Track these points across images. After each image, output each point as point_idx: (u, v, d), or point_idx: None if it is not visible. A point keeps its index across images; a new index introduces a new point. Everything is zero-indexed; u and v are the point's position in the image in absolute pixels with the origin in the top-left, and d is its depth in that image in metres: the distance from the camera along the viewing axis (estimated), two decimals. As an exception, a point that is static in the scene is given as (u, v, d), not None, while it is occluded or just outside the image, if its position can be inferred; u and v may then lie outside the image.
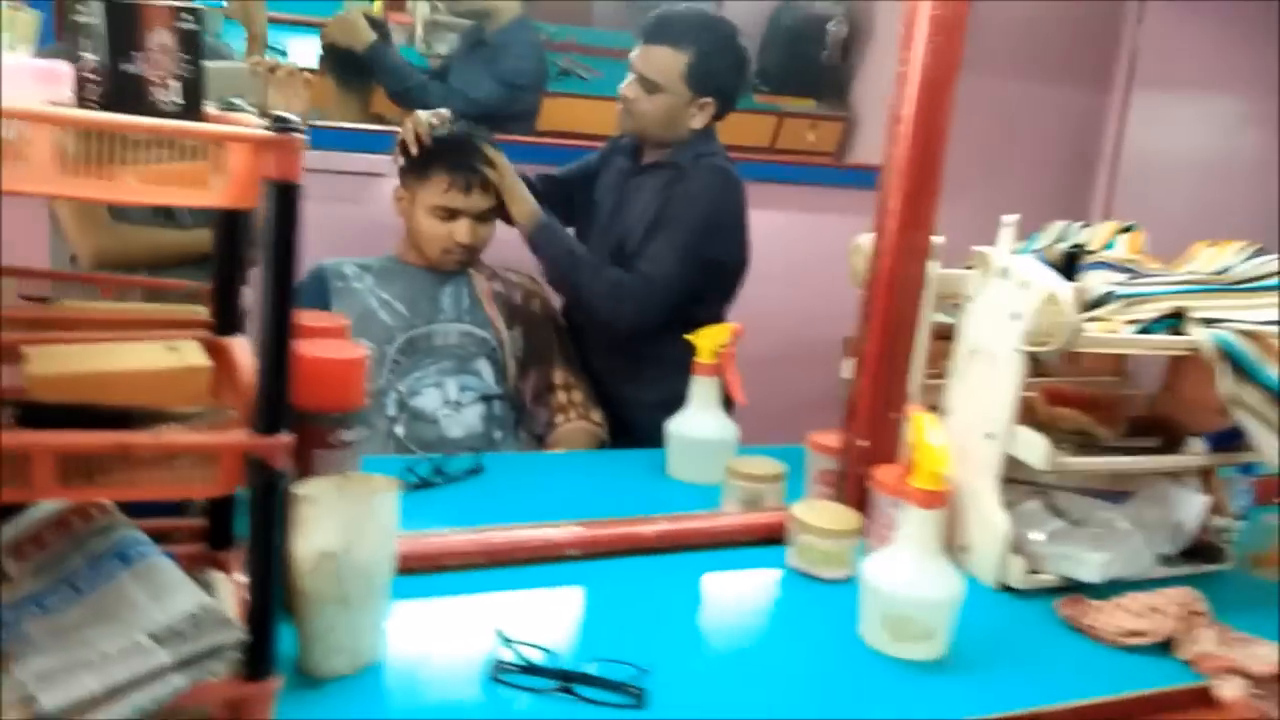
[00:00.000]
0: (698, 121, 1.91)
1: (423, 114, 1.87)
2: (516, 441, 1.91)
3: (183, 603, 0.84)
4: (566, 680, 0.98)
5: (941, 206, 1.32)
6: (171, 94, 0.80)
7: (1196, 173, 2.99)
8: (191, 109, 0.81)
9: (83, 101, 0.77)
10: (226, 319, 0.98)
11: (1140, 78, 2.93)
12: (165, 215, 1.87)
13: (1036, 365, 1.51)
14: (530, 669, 0.99)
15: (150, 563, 0.88)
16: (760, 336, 2.52)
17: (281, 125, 0.74)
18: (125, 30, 0.76)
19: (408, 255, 1.92)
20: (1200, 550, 1.35)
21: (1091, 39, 2.93)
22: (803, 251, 2.27)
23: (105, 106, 0.76)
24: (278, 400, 0.79)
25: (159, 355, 0.91)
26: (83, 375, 0.86)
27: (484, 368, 1.90)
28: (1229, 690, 1.08)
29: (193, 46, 0.80)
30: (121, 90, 0.76)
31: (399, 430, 1.81)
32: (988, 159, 2.91)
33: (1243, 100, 3.06)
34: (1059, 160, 3.01)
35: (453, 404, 1.85)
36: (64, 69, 0.77)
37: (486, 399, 1.88)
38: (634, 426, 1.95)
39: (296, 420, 1.01)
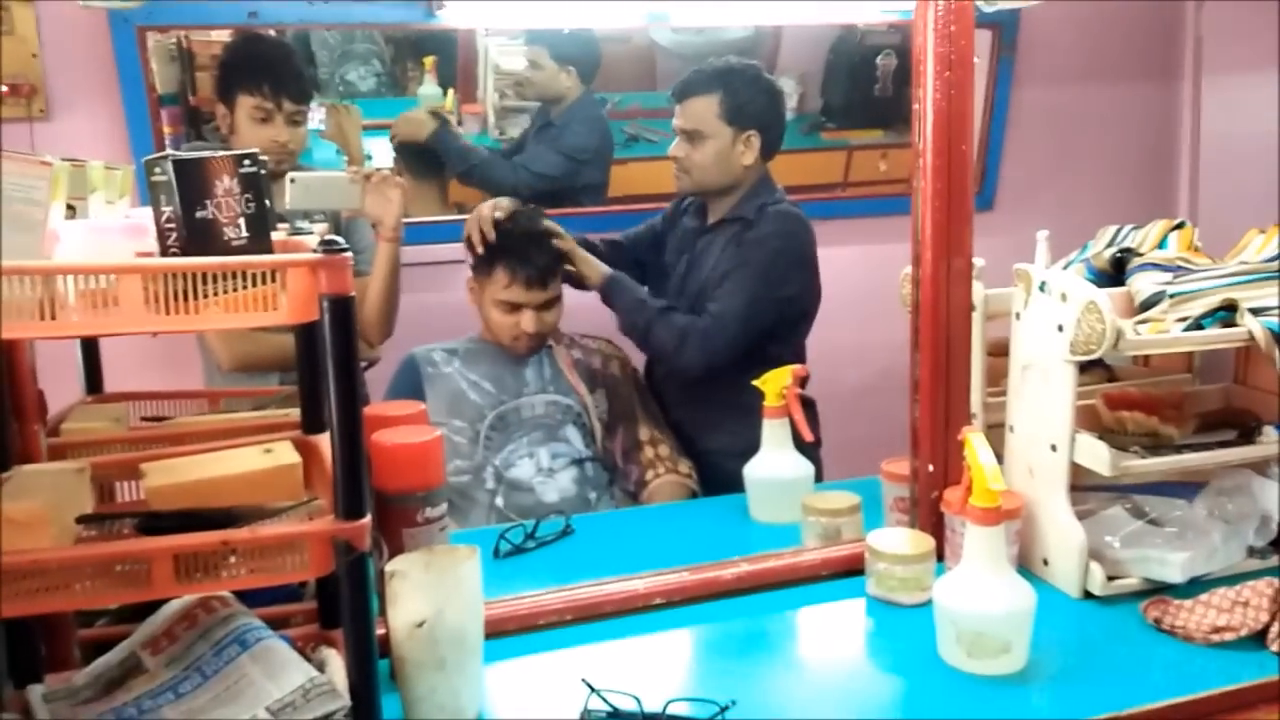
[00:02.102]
0: (748, 158, 1.98)
1: (484, 207, 1.98)
2: (611, 500, 1.99)
3: (294, 678, 0.94)
4: (652, 722, 1.04)
5: (1019, 218, 1.35)
6: (240, 230, 0.91)
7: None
8: (258, 240, 0.92)
9: (165, 249, 0.89)
10: (314, 418, 1.08)
11: (1208, 64, 2.88)
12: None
13: (1108, 371, 1.53)
14: (617, 715, 1.05)
15: (266, 645, 0.98)
16: (847, 370, 2.56)
17: (330, 248, 0.84)
18: (194, 183, 0.88)
19: (488, 335, 2.03)
20: (1291, 540, 1.33)
21: (1151, 31, 2.90)
22: (883, 282, 2.29)
23: (183, 251, 0.88)
24: (354, 488, 0.88)
25: (256, 458, 1.02)
26: (191, 484, 0.98)
27: (572, 434, 1.98)
28: (1324, 678, 1.07)
29: (254, 187, 0.92)
30: (195, 234, 0.88)
31: (499, 501, 1.91)
32: (1061, 167, 2.90)
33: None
34: (1138, 158, 2.97)
35: (546, 471, 1.93)
36: (148, 223, 0.89)
37: (578, 462, 1.96)
38: (723, 475, 2.00)
39: (383, 503, 1.12)
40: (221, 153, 0.90)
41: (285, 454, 1.03)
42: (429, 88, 2.78)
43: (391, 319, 2.10)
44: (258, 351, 1.93)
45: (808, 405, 2.03)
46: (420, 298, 2.16)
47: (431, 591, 1.01)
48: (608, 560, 1.46)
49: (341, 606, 0.91)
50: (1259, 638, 1.15)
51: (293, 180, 1.88)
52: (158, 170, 0.88)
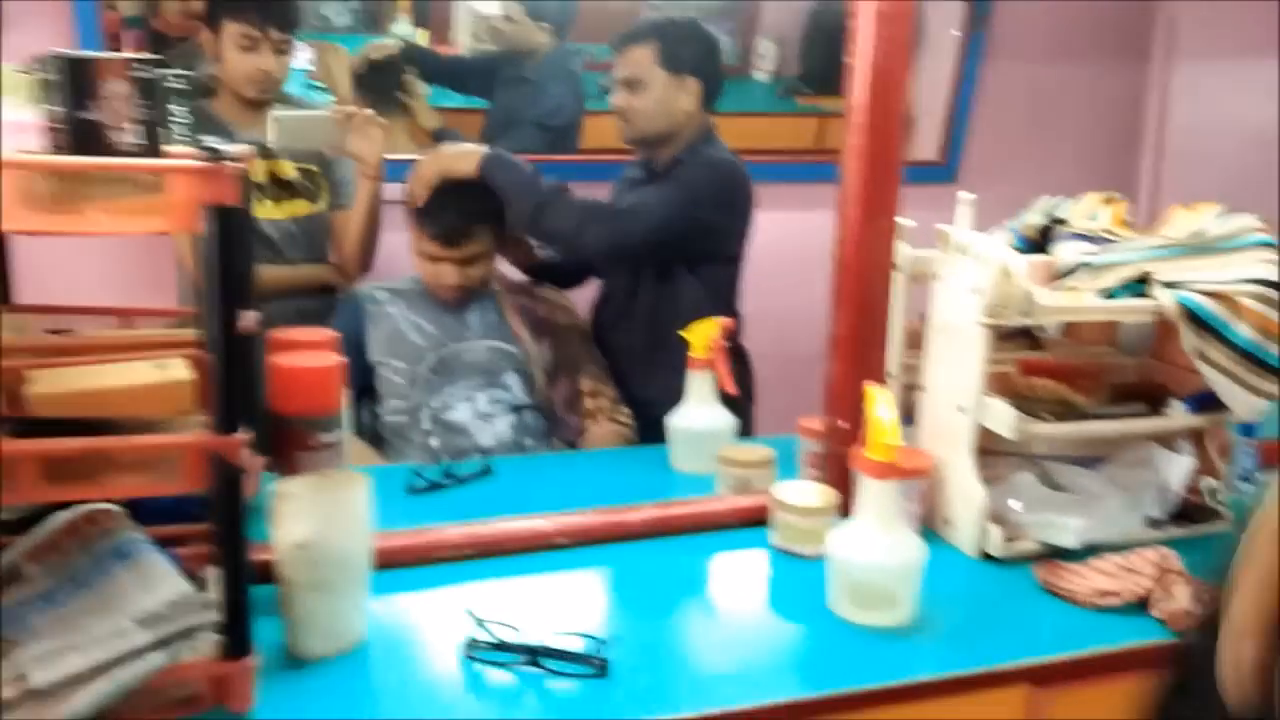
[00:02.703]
0: (687, 104, 2.00)
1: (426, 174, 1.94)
2: (549, 449, 1.99)
3: (166, 591, 0.94)
4: (533, 655, 1.04)
5: (984, 192, 1.36)
6: (130, 136, 0.90)
7: (1246, 142, 2.91)
8: (150, 148, 0.91)
9: (51, 149, 0.88)
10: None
11: (1180, 48, 2.88)
12: (273, 252, 2.07)
13: (1032, 341, 1.54)
14: (501, 646, 1.06)
15: (144, 558, 0.98)
16: (801, 330, 2.56)
17: (214, 155, 0.83)
18: (80, 83, 0.86)
19: (428, 279, 2.02)
20: (1193, 512, 1.34)
21: (1125, 13, 2.90)
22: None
23: (68, 152, 0.87)
24: (232, 402, 0.88)
25: (147, 372, 1.02)
26: (76, 393, 0.97)
27: (512, 380, 1.98)
28: (1201, 646, 1.08)
29: (150, 93, 0.90)
30: (79, 135, 0.86)
31: (434, 443, 1.91)
32: (1028, 143, 2.90)
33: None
34: (1103, 139, 2.98)
35: (483, 416, 1.94)
36: (31, 121, 0.88)
37: (516, 409, 1.96)
38: (659, 425, 2.01)
39: (280, 425, 1.11)
40: (114, 54, 0.88)
41: (177, 370, 1.03)
42: (403, 26, 2.75)
43: (370, 254, 2.13)
44: None
45: (741, 360, 2.04)
46: (389, 236, 2.16)
47: (316, 513, 1.01)
48: (523, 501, 1.46)
49: (217, 523, 0.91)
50: (1142, 604, 1.16)
51: (277, 120, 1.89)
52: (44, 68, 0.87)
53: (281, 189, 2.09)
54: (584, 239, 1.91)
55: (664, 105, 1.99)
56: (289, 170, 2.09)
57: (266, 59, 1.99)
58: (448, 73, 2.64)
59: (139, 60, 0.90)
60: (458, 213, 1.91)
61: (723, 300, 2.04)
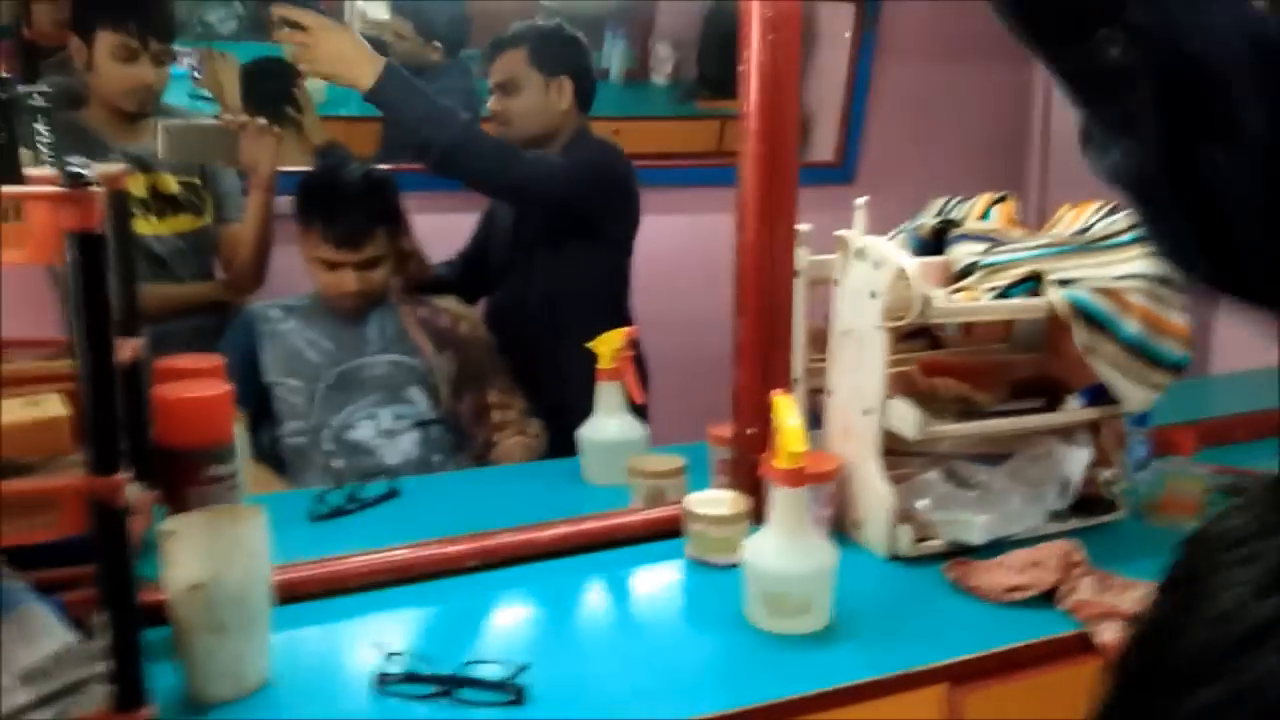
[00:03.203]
0: (562, 103, 2.04)
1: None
2: (457, 464, 1.95)
3: (49, 644, 0.88)
4: (447, 685, 1.01)
5: (880, 193, 1.37)
6: (-14, 161, 0.84)
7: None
8: (7, 174, 0.85)
9: (-103, 177, 0.81)
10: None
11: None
12: (162, 269, 1.98)
13: (932, 340, 1.56)
14: (413, 677, 1.02)
15: (25, 609, 0.92)
16: (706, 335, 2.57)
17: (74, 179, 0.78)
18: (-74, 106, 0.80)
19: (323, 293, 1.96)
20: (1092, 503, 1.38)
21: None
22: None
23: (-84, 180, 0.81)
24: (108, 439, 0.83)
25: (17, 410, 0.96)
26: (-62, 436, 0.91)
27: (416, 395, 1.93)
28: (1107, 634, 1.11)
29: (3, 115, 0.85)
30: (-72, 162, 0.80)
31: (337, 464, 1.85)
32: (923, 143, 2.96)
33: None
34: (993, 137, 3.05)
35: (387, 433, 1.89)
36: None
37: (422, 424, 1.92)
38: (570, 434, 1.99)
39: (167, 459, 1.06)
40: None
41: (52, 406, 0.97)
42: (289, 30, 2.67)
43: (262, 270, 2.05)
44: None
45: (638, 366, 2.04)
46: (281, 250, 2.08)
47: (208, 552, 0.96)
48: (433, 523, 1.42)
49: (99, 568, 0.86)
50: (1050, 597, 1.18)
51: (166, 129, 1.80)
52: (-115, 91, 0.80)
53: (165, 203, 2.01)
54: (507, 176, 1.92)
55: (540, 106, 2.04)
56: (171, 184, 2.01)
57: (145, 70, 1.90)
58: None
59: (-6, 81, 0.84)
60: (356, 212, 1.85)
61: (617, 297, 2.10)
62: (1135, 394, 1.26)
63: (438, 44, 2.52)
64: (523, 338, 2.06)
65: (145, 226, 1.98)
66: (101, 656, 0.88)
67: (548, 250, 2.08)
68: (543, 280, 2.08)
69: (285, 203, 2.14)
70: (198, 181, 2.04)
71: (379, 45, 2.57)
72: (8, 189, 0.80)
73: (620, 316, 2.12)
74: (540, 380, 2.04)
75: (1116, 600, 1.14)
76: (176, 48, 2.02)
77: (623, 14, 2.99)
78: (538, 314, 2.08)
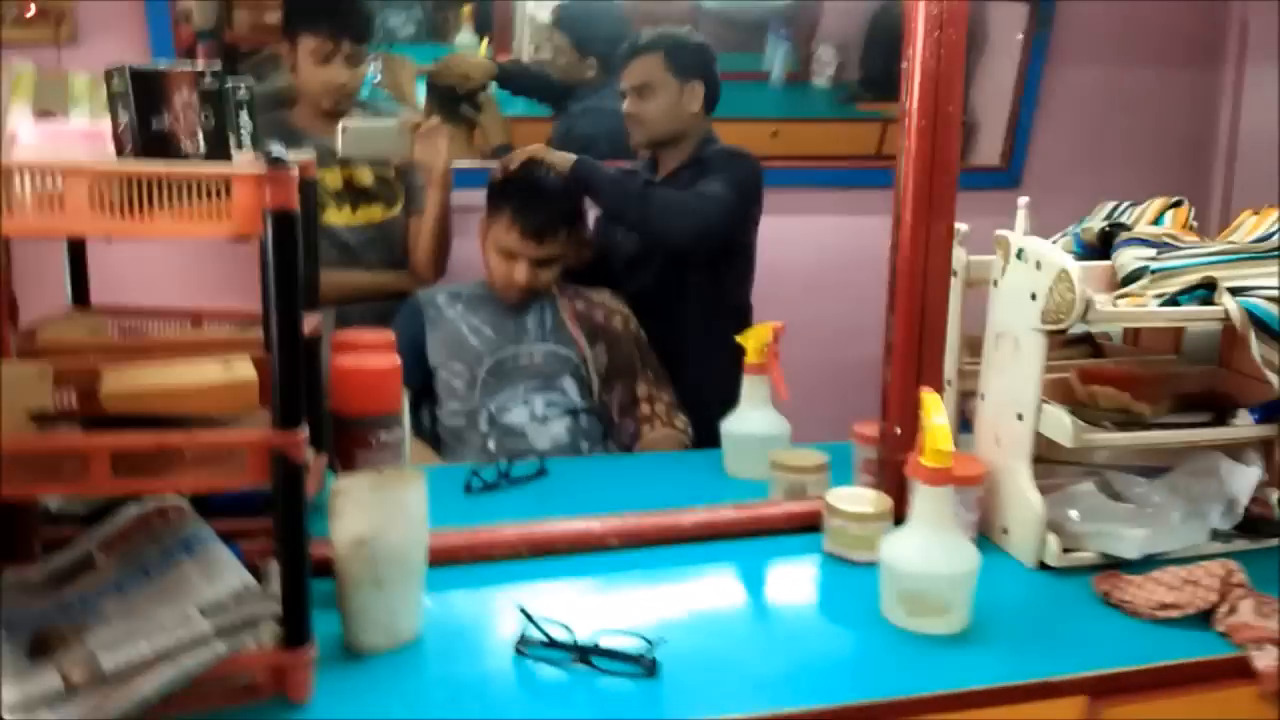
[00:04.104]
0: (694, 106, 2.13)
1: (524, 150, 2.04)
2: (605, 452, 2.01)
3: (230, 582, 0.97)
4: (583, 653, 1.06)
5: (1047, 198, 1.36)
6: (197, 144, 0.93)
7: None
8: (216, 154, 0.94)
9: (121, 157, 0.91)
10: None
11: (1252, 52, 2.80)
12: (349, 257, 2.14)
13: (1095, 348, 1.51)
14: (551, 644, 1.07)
15: (209, 550, 1.01)
16: (867, 340, 2.55)
17: (275, 162, 0.86)
18: (150, 94, 0.89)
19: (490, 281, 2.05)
20: (1262, 525, 1.31)
21: (1195, 15, 2.83)
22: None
23: (138, 159, 0.90)
24: (292, 400, 0.91)
25: (213, 371, 1.05)
26: (144, 390, 1.01)
27: (569, 384, 2.00)
28: (1263, 660, 1.06)
29: (215, 102, 0.94)
30: (149, 145, 0.90)
31: (491, 444, 1.93)
32: (1094, 148, 2.85)
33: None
34: (1172, 145, 2.90)
35: (540, 419, 1.96)
36: (105, 129, 0.91)
37: (572, 413, 1.98)
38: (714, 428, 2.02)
39: (341, 425, 1.14)
40: (181, 67, 0.92)
41: (243, 369, 1.06)
42: (465, 35, 2.80)
43: (442, 260, 2.19)
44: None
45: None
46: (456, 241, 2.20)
47: (373, 510, 1.04)
48: (577, 503, 1.47)
49: (279, 517, 0.93)
50: (1205, 618, 1.13)
51: (344, 129, 1.96)
52: (115, 80, 0.90)
53: (358, 195, 2.15)
54: (680, 226, 2.02)
55: (673, 108, 2.13)
56: (366, 177, 2.15)
57: (340, 70, 2.05)
58: (534, 86, 2.70)
59: (206, 73, 0.93)
60: (549, 209, 1.96)
61: (744, 293, 2.18)
62: (1314, 411, 1.19)
63: (593, 61, 2.59)
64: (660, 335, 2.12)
65: (338, 216, 2.12)
66: (274, 598, 0.96)
67: (680, 254, 2.14)
68: (677, 278, 2.14)
69: (467, 198, 2.26)
70: (391, 174, 2.17)
71: (540, 63, 2.69)
72: (215, 168, 0.88)
73: (745, 312, 2.19)
74: (679, 374, 2.09)
75: (1277, 625, 1.09)
76: (368, 52, 2.15)
77: (786, 16, 2.99)
78: (672, 310, 2.14)
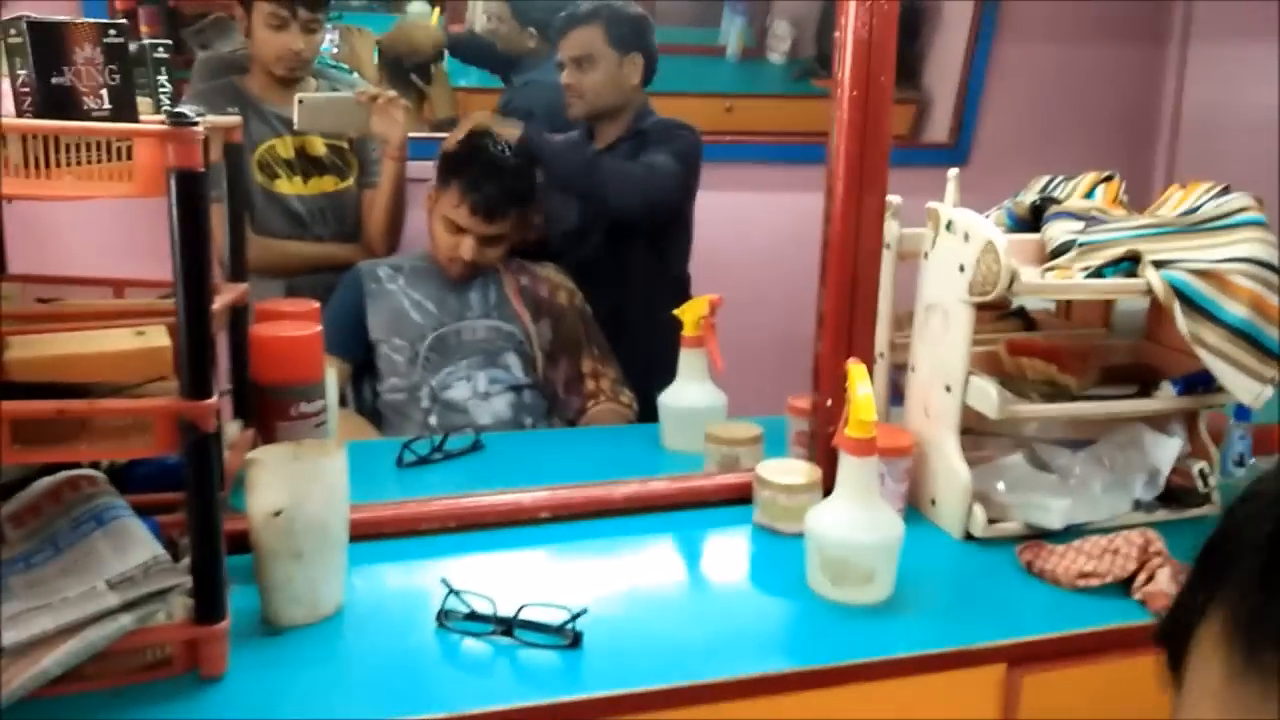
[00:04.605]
0: (635, 77, 2.13)
1: (475, 116, 2.03)
2: (549, 428, 1.99)
3: (139, 555, 0.95)
4: (506, 625, 1.05)
5: (994, 174, 1.35)
6: (102, 102, 0.91)
7: (1264, 124, 2.86)
8: (121, 112, 0.91)
9: (21, 114, 0.88)
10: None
11: (1197, 29, 2.83)
12: (300, 227, 2.11)
13: (1027, 321, 1.52)
14: (473, 616, 1.06)
15: (121, 523, 0.99)
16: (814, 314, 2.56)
17: (178, 119, 0.84)
18: (50, 49, 0.87)
19: (433, 254, 2.03)
20: (1183, 495, 1.33)
21: (1141, -8, 2.85)
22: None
23: (38, 116, 0.87)
24: (200, 367, 0.89)
25: (125, 339, 1.03)
26: (53, 358, 0.98)
27: (512, 360, 1.98)
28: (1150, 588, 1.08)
29: (120, 59, 0.91)
30: (50, 101, 0.87)
31: (432, 420, 1.91)
32: (1041, 125, 2.87)
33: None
34: (1118, 121, 2.93)
35: (481, 395, 1.94)
36: (3, 86, 0.88)
37: (515, 389, 1.97)
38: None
39: (261, 395, 1.12)
40: (84, 20, 0.89)
41: (156, 337, 1.04)
42: (417, 4, 2.76)
43: (396, 233, 2.17)
44: (263, 258, 2.01)
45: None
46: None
47: (291, 482, 1.02)
48: (511, 477, 1.46)
49: (187, 487, 0.92)
50: (1125, 586, 1.15)
51: (301, 101, 1.93)
52: (13, 32, 0.87)
53: (310, 165, 2.12)
54: (631, 196, 2.03)
55: (614, 80, 2.12)
56: (319, 147, 2.12)
57: (295, 38, 2.02)
58: (483, 57, 2.67)
59: (111, 26, 0.90)
60: (502, 188, 1.94)
61: (683, 263, 2.19)
62: (1243, 384, 1.20)
63: (533, 31, 2.57)
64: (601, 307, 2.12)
65: (289, 186, 2.10)
66: (185, 571, 0.94)
67: (621, 226, 2.14)
68: (617, 250, 2.15)
69: (418, 168, 2.23)
70: (345, 145, 2.15)
71: (491, 35, 2.66)
72: (114, 125, 0.86)
73: (685, 284, 2.20)
74: (620, 347, 2.09)
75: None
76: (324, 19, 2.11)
77: (746, -11, 2.98)
78: (613, 282, 2.14)
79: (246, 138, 1.97)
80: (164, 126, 0.84)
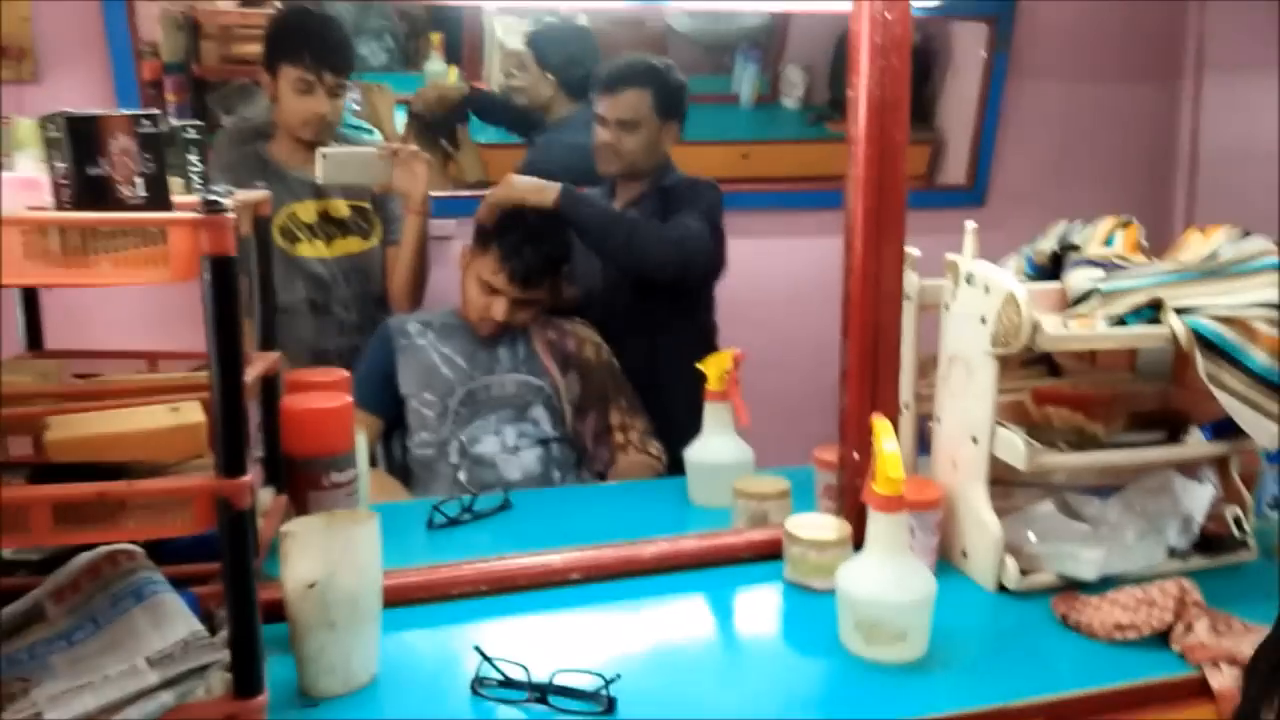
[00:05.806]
0: (670, 144, 2.17)
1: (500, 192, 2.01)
2: (578, 481, 2.00)
3: (179, 630, 0.96)
4: (540, 692, 1.05)
5: (1012, 215, 1.35)
6: (137, 190, 0.93)
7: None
8: (157, 199, 0.94)
9: (59, 205, 0.91)
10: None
11: (1210, 63, 2.84)
12: (324, 291, 2.14)
13: (1051, 368, 1.52)
14: (508, 683, 1.06)
15: (159, 598, 1.00)
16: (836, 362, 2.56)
17: (212, 207, 0.86)
18: (86, 140, 0.89)
19: (463, 310, 2.05)
20: (1219, 542, 1.32)
21: (1152, 29, 2.87)
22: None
23: (75, 206, 0.90)
24: (234, 446, 0.90)
25: (160, 416, 1.05)
26: (90, 438, 1.01)
27: (541, 414, 1.99)
28: (1219, 679, 1.06)
29: (154, 147, 0.93)
30: (86, 191, 0.90)
31: (461, 475, 1.92)
32: (1058, 164, 2.87)
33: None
34: (1134, 157, 2.94)
35: (510, 449, 1.95)
36: (43, 178, 0.91)
37: (544, 442, 1.97)
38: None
39: (292, 467, 1.14)
40: (118, 112, 0.92)
41: (191, 413, 1.06)
42: (435, 64, 2.82)
43: (419, 289, 2.19)
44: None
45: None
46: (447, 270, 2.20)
47: (324, 553, 1.03)
48: (541, 536, 1.46)
49: (224, 563, 0.93)
50: (1163, 638, 1.14)
51: (324, 155, 1.96)
52: (50, 127, 0.90)
53: (334, 227, 2.15)
54: (666, 260, 2.02)
55: (653, 145, 2.15)
56: (342, 209, 2.15)
57: (321, 102, 2.05)
58: (505, 115, 2.72)
59: (144, 116, 0.93)
60: (540, 255, 1.96)
61: (710, 315, 2.20)
62: (1264, 428, 1.20)
63: (551, 78, 2.60)
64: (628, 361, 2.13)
65: (310, 249, 2.13)
66: (223, 646, 0.95)
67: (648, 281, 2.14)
68: (644, 304, 2.15)
69: (439, 227, 2.25)
70: (368, 205, 2.17)
71: (509, 92, 2.70)
72: (148, 215, 0.88)
73: (711, 335, 2.21)
74: (649, 399, 2.09)
75: (1234, 644, 1.09)
76: (348, 83, 2.15)
77: (754, 38, 3.02)
78: (640, 336, 2.15)
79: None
80: (197, 215, 0.86)
